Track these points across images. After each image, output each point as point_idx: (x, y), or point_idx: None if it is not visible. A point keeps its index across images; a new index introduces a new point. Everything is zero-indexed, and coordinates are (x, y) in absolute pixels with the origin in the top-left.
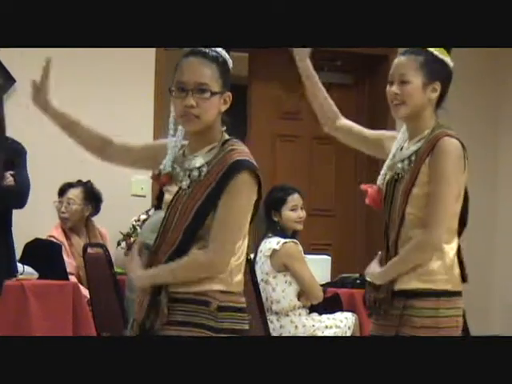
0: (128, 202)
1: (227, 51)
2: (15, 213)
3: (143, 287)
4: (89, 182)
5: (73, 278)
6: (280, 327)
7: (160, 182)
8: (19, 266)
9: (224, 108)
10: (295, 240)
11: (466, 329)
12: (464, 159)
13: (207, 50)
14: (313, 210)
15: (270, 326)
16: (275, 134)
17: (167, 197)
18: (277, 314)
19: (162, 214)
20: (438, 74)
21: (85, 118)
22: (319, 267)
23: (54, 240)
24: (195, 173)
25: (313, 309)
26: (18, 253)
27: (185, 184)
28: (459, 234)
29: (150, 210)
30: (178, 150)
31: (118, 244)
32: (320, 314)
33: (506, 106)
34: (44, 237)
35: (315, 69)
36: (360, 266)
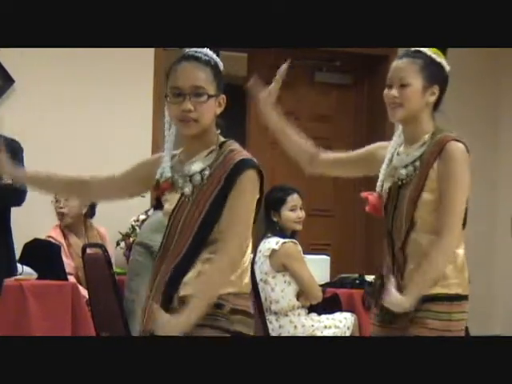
0: (127, 202)
1: (216, 53)
2: (14, 213)
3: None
4: None
5: (71, 279)
6: (279, 327)
7: (161, 189)
8: (18, 266)
9: (219, 111)
10: (294, 240)
11: (465, 328)
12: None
13: (199, 55)
14: (312, 210)
15: (269, 326)
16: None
17: (167, 206)
18: (276, 314)
19: (160, 214)
20: (437, 77)
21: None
22: (318, 267)
23: (53, 240)
24: (197, 177)
25: (312, 309)
26: (17, 253)
27: (187, 190)
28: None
29: (149, 210)
30: (171, 158)
31: (117, 244)
32: (319, 314)
33: (506, 106)
34: (42, 237)
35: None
36: (359, 266)
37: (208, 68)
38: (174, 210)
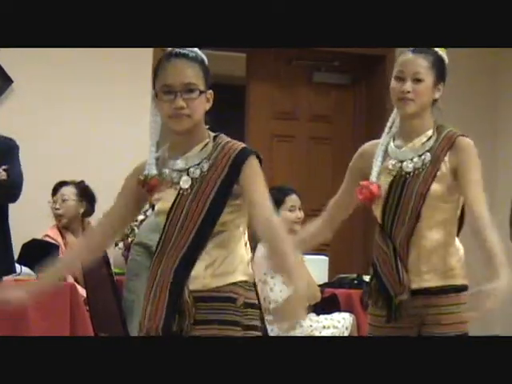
0: None
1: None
2: (12, 213)
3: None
4: (82, 181)
5: (69, 277)
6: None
7: (149, 186)
8: (17, 266)
9: (208, 106)
10: None
11: None
12: None
13: (186, 51)
14: (310, 210)
15: (268, 326)
16: (272, 134)
17: (161, 205)
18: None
19: None
20: (443, 74)
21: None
22: (317, 267)
23: (50, 239)
24: (196, 170)
25: (310, 309)
26: (16, 253)
27: (185, 184)
28: (457, 232)
29: (147, 210)
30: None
31: (116, 244)
32: (318, 314)
33: (505, 106)
34: (40, 237)
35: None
36: (357, 266)
37: (196, 64)
38: (173, 205)
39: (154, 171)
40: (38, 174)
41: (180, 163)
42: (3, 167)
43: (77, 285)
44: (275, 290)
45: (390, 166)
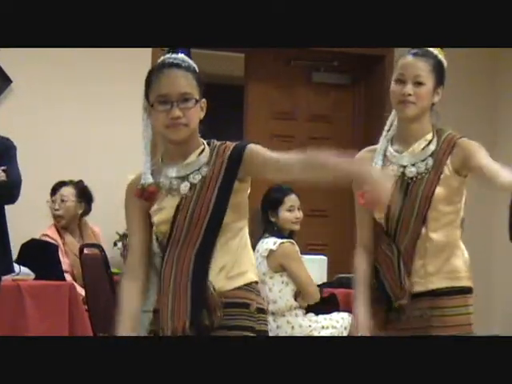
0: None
1: (188, 53)
2: (11, 213)
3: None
4: (80, 181)
5: (68, 276)
6: (276, 327)
7: (149, 193)
8: (16, 266)
9: (202, 114)
10: (292, 240)
11: None
12: None
13: (179, 61)
14: (309, 210)
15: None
16: (271, 134)
17: (165, 214)
18: (273, 314)
19: None
20: (442, 78)
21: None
22: (316, 267)
23: (48, 239)
24: (196, 176)
25: (309, 309)
26: (14, 253)
27: (186, 189)
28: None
29: None
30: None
31: (115, 244)
32: (316, 314)
33: (504, 106)
34: (38, 237)
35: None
36: None
37: (189, 73)
38: (177, 209)
39: (151, 180)
40: (37, 174)
41: (181, 170)
42: (2, 168)
43: (76, 284)
44: (274, 290)
45: (392, 172)
